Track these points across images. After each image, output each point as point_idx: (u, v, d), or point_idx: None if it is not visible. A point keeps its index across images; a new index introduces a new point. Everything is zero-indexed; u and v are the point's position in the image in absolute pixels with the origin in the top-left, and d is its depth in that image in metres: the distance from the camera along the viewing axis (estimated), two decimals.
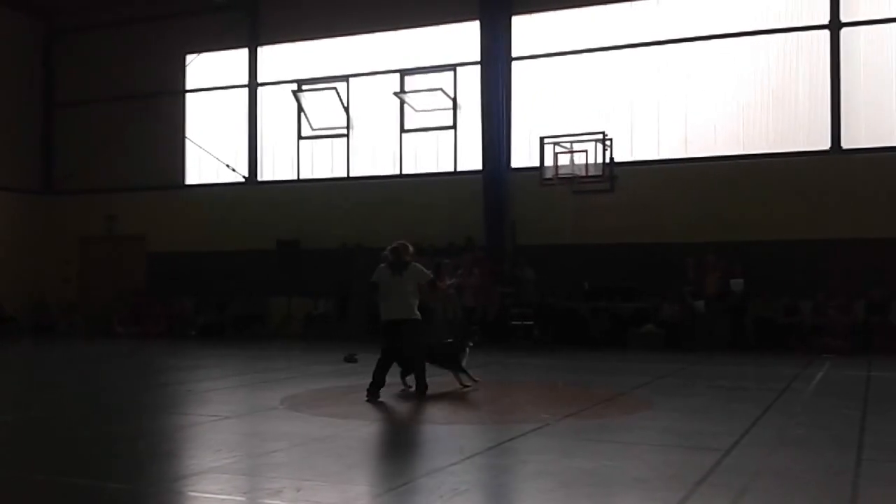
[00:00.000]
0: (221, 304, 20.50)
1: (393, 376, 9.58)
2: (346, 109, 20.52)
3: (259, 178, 21.58)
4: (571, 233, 17.54)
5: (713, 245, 16.76)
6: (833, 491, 5.41)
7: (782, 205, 16.78)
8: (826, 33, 16.80)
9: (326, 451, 6.76)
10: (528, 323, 17.23)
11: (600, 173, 16.56)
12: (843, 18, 16.69)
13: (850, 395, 9.79)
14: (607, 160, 16.61)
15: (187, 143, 22.30)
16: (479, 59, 19.09)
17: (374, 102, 20.39)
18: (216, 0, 21.19)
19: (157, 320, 20.73)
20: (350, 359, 13.23)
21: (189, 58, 22.31)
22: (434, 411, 8.78)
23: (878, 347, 14.98)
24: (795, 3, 17.13)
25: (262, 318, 20.53)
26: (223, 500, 5.23)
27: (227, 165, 21.67)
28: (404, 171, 20.07)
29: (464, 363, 9.99)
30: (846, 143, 16.62)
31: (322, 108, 20.61)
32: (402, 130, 20.12)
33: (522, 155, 18.71)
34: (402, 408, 8.99)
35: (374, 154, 20.40)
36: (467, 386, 9.89)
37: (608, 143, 16.64)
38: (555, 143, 16.85)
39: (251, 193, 21.44)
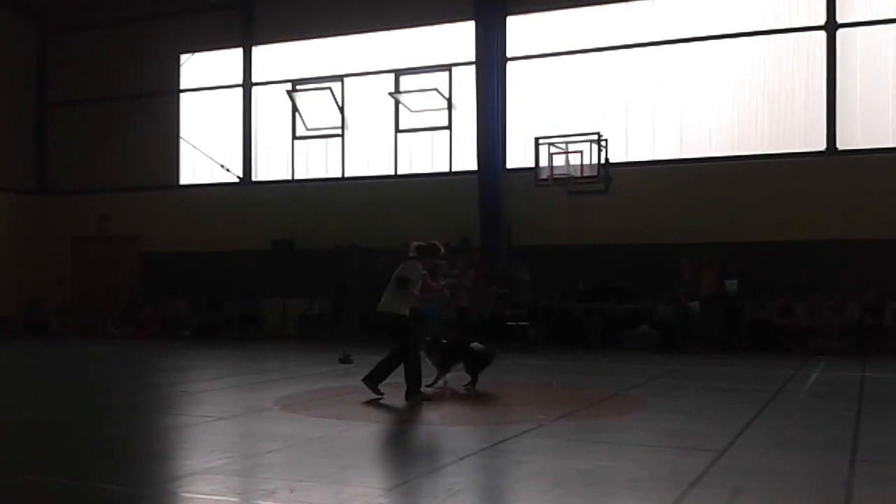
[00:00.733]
0: (216, 304, 20.41)
1: (393, 376, 9.58)
2: (341, 109, 20.50)
3: (253, 179, 21.53)
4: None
5: (708, 246, 16.76)
6: (827, 491, 5.42)
7: (777, 206, 16.77)
8: (822, 34, 16.81)
9: (321, 452, 6.75)
10: (523, 323, 17.21)
11: (595, 174, 16.52)
12: (840, 19, 16.70)
13: (844, 395, 9.82)
14: (602, 161, 16.56)
15: (181, 143, 22.24)
16: (474, 59, 19.06)
17: (368, 102, 20.35)
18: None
19: (151, 321, 20.66)
20: (345, 359, 13.20)
21: (183, 57, 22.25)
22: (428, 412, 8.78)
23: (873, 348, 15.01)
24: (791, 4, 17.14)
25: (257, 319, 20.44)
26: (217, 500, 5.22)
27: (222, 165, 21.62)
28: (399, 172, 20.04)
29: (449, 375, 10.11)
30: (842, 144, 16.64)
31: (317, 108, 20.59)
32: (397, 131, 20.08)
33: (517, 155, 18.69)
34: (396, 409, 8.97)
35: (369, 154, 20.39)
36: (434, 387, 9.95)
37: (603, 143, 16.62)
38: (550, 144, 16.80)
39: (246, 194, 21.39)
